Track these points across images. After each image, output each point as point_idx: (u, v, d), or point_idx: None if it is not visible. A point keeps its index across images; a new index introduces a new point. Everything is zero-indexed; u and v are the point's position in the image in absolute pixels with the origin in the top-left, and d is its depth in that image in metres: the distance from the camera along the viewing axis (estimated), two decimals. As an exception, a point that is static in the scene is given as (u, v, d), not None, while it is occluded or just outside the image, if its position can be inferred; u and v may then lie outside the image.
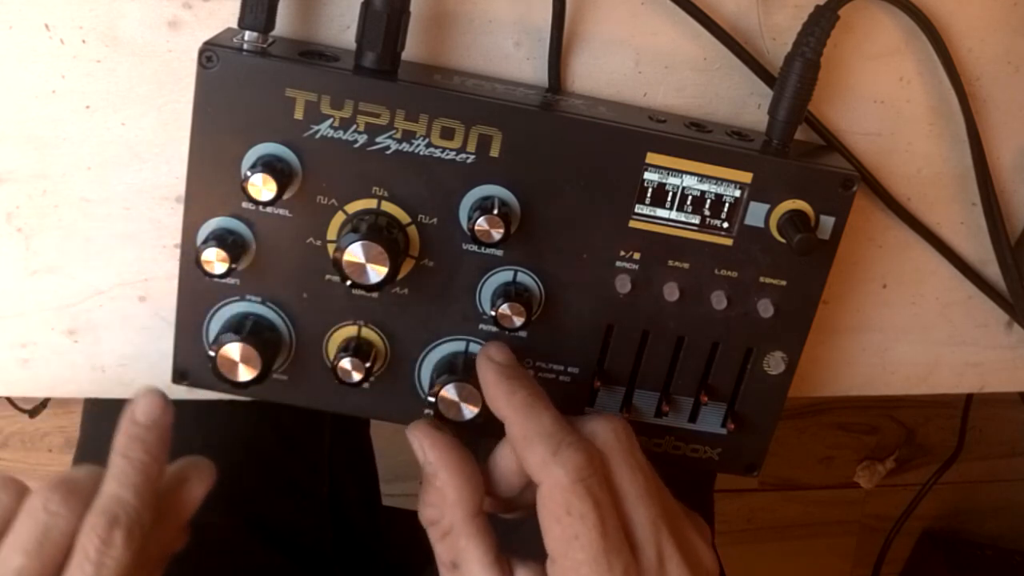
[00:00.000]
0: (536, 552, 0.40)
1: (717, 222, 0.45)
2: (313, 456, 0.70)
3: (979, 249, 0.53)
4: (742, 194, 0.44)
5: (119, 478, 0.40)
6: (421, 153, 0.42)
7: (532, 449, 0.39)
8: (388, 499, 0.82)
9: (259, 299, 0.44)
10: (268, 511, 0.65)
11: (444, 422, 0.44)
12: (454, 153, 0.42)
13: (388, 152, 0.42)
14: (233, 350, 0.42)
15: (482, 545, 0.40)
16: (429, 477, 0.41)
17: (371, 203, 0.43)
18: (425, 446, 0.41)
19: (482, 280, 0.45)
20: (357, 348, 0.44)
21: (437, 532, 0.41)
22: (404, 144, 0.42)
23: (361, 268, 0.41)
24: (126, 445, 0.41)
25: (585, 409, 0.47)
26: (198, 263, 0.41)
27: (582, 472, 0.38)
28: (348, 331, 0.45)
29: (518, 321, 0.43)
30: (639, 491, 0.40)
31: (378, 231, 0.41)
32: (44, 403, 1.15)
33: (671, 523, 0.40)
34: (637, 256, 0.45)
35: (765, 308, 0.46)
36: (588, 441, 0.40)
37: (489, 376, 0.42)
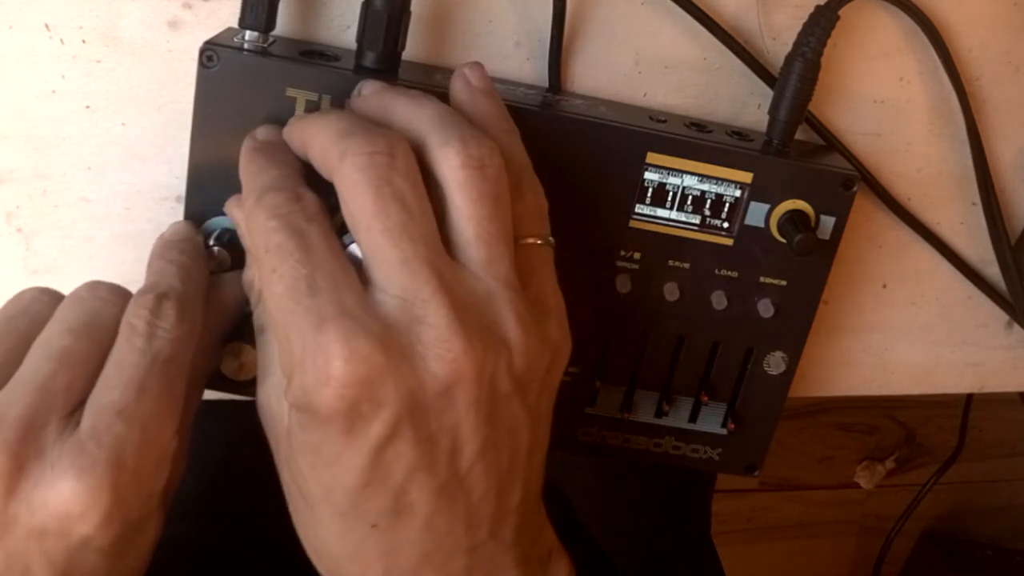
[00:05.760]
0: None
1: (717, 222, 0.45)
2: None
3: (979, 249, 0.53)
4: (742, 194, 0.44)
5: (160, 272, 0.38)
6: (421, 153, 0.42)
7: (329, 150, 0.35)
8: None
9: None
10: (262, 521, 0.65)
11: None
12: (454, 153, 0.42)
13: (388, 152, 0.42)
14: (234, 350, 0.42)
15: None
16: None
17: (371, 203, 0.42)
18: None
19: (482, 280, 0.45)
20: (357, 348, 0.44)
21: (254, 298, 0.39)
22: (404, 144, 0.42)
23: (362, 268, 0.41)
24: (161, 252, 0.39)
25: (585, 409, 0.47)
26: (198, 263, 0.41)
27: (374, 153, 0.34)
28: (348, 331, 0.45)
29: (518, 321, 0.43)
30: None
31: (378, 231, 0.41)
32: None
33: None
34: (637, 256, 0.45)
35: (765, 308, 0.46)
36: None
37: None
